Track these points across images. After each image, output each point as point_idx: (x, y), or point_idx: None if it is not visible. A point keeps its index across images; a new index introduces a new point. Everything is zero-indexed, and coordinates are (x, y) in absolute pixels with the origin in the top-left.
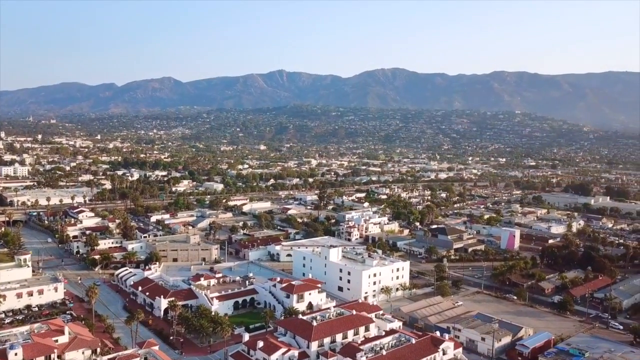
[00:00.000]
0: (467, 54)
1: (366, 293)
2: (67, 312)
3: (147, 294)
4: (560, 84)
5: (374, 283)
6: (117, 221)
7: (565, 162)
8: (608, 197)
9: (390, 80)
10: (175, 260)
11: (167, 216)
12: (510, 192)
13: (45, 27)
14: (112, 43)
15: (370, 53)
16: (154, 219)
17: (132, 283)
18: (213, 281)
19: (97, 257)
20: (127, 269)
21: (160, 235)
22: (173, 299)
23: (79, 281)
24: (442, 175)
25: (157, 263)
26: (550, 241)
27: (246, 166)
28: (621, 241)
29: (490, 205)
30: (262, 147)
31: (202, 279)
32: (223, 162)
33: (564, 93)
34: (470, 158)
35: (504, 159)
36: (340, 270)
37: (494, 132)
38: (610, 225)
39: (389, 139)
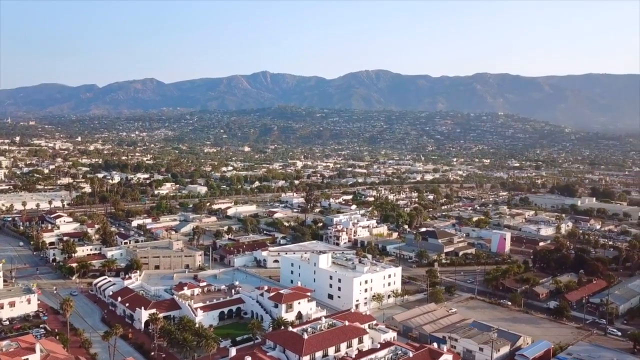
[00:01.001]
0: (450, 56)
1: (357, 301)
2: (41, 325)
3: (127, 304)
4: (541, 86)
5: (365, 290)
6: (96, 226)
7: (549, 162)
8: (594, 199)
9: (374, 81)
10: (157, 267)
11: (149, 221)
12: (497, 193)
13: (24, 27)
14: (93, 44)
15: (354, 55)
16: (135, 223)
17: (111, 293)
18: (197, 290)
19: (74, 265)
20: (105, 278)
21: (142, 241)
22: (154, 310)
23: (55, 291)
24: (428, 177)
25: (138, 271)
26: (541, 244)
27: (230, 168)
28: (611, 243)
29: (478, 207)
30: (247, 149)
31: (185, 288)
32: (207, 164)
33: (545, 95)
34: (454, 159)
35: (488, 160)
36: (331, 278)
37: (478, 134)
38: (598, 227)
39: (373, 140)
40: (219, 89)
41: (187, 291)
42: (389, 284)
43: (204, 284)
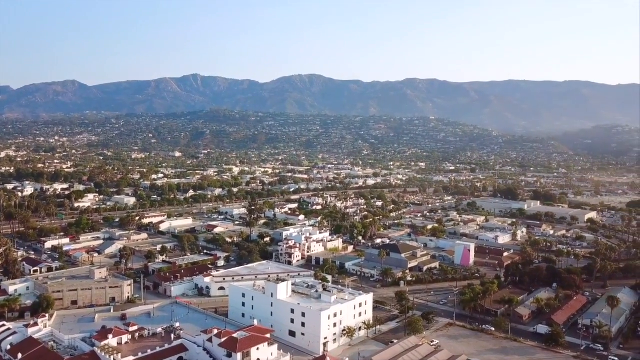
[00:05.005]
0: (380, 62)
1: (326, 338)
2: None
3: None
4: (467, 91)
5: (334, 325)
6: None
7: (481, 165)
8: (538, 202)
9: (307, 86)
10: (74, 303)
11: (66, 241)
12: (442, 197)
13: None
14: (5, 43)
15: (287, 59)
16: (49, 244)
17: (8, 347)
18: (125, 337)
19: None
20: (4, 325)
21: (56, 268)
22: None
23: None
24: (370, 182)
25: (47, 314)
26: (505, 254)
27: (161, 176)
28: (569, 249)
29: (427, 213)
30: (178, 154)
31: (110, 335)
32: (135, 172)
33: (471, 100)
34: (391, 163)
35: (424, 164)
36: (292, 311)
37: (411, 138)
38: (551, 232)
39: (310, 144)
40: (147, 91)
41: (112, 340)
42: (360, 314)
43: (135, 327)
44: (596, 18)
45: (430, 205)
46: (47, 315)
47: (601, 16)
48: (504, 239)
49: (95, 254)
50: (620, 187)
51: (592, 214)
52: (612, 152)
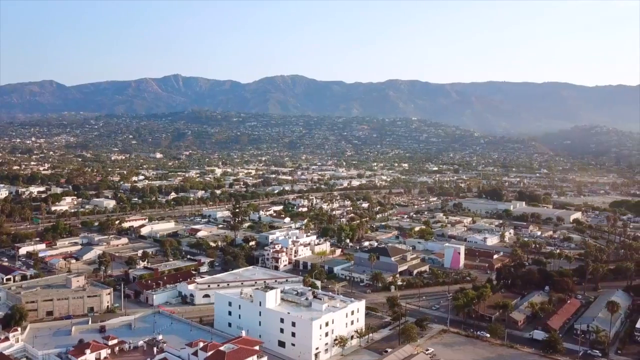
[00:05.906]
0: (362, 63)
1: (317, 349)
2: None
3: None
4: (448, 92)
5: (326, 334)
6: None
7: (464, 166)
8: (524, 203)
9: (290, 87)
10: (50, 314)
11: (42, 246)
12: (427, 199)
13: None
14: None
15: (269, 59)
16: (23, 250)
17: None
18: (104, 352)
19: None
20: None
21: (30, 277)
22: None
23: None
24: (355, 183)
25: (20, 327)
26: (495, 256)
27: (142, 177)
28: (558, 251)
29: (414, 215)
30: (159, 155)
31: (87, 350)
32: (114, 174)
33: (453, 101)
34: (374, 164)
35: (407, 165)
36: (282, 321)
37: (393, 138)
38: (539, 233)
39: (293, 145)
40: (127, 92)
41: (90, 355)
42: (352, 322)
43: (114, 341)
44: (575, 21)
45: (416, 207)
46: (19, 328)
47: (579, 19)
48: (492, 240)
49: (73, 261)
50: (601, 187)
51: (577, 215)
52: (592, 153)
